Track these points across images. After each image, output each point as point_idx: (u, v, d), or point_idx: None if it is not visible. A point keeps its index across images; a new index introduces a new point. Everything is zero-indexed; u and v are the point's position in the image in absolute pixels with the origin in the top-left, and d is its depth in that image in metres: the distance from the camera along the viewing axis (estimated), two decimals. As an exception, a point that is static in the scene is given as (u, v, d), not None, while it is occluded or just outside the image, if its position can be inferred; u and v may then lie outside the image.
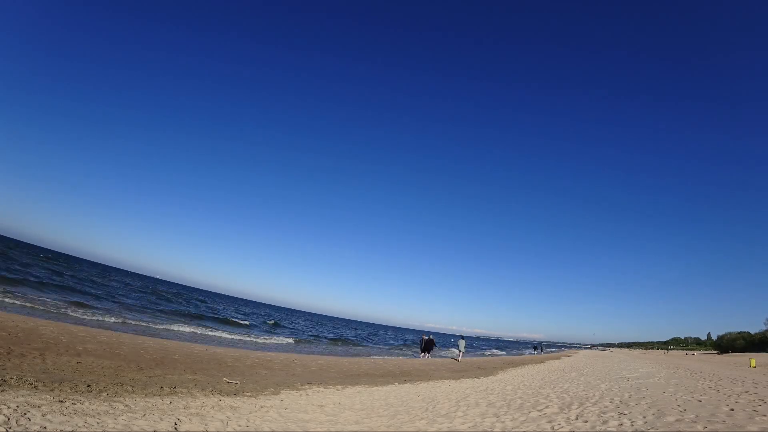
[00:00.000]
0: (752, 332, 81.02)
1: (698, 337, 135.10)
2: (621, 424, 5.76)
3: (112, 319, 18.51)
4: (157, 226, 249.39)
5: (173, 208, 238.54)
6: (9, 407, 4.68)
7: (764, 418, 5.69)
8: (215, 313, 39.14)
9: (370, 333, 68.05)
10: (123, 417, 5.17)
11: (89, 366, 7.99)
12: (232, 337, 22.88)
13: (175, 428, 5.09)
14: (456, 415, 7.41)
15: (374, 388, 11.16)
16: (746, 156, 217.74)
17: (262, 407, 7.11)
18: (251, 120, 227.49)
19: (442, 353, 37.93)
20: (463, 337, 27.90)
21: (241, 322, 35.17)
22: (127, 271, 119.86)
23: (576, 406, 7.60)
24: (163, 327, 20.27)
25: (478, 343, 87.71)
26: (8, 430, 4.08)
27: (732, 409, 6.40)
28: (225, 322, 32.11)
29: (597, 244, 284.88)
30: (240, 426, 5.67)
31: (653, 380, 12.28)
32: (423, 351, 25.89)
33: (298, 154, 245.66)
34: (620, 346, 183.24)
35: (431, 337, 26.84)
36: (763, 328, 77.59)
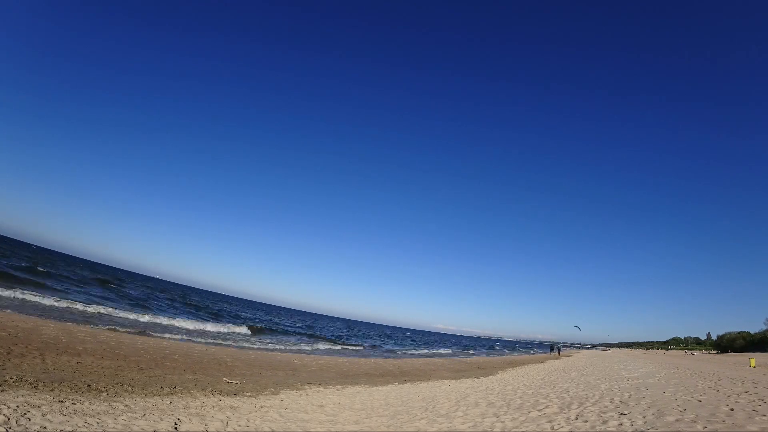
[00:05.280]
0: (752, 332, 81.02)
1: (698, 337, 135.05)
2: (621, 424, 5.76)
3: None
4: (157, 225, 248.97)
5: (172, 209, 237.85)
6: (9, 407, 4.68)
7: (764, 417, 5.69)
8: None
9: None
10: (123, 417, 5.17)
11: (89, 366, 7.99)
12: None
13: (175, 428, 5.10)
14: (456, 415, 7.41)
15: (374, 388, 11.17)
16: (746, 156, 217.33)
17: (262, 407, 7.11)
18: (252, 120, 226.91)
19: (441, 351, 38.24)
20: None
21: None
22: (126, 271, 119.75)
23: (576, 406, 7.60)
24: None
25: (478, 344, 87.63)
26: (8, 430, 4.08)
27: (732, 409, 6.40)
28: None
29: (596, 244, 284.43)
30: (240, 426, 5.68)
31: (653, 380, 12.28)
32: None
33: (300, 155, 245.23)
34: (620, 346, 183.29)
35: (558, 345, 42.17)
36: (763, 327, 77.58)
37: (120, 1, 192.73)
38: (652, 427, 5.40)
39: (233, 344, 18.86)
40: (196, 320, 25.92)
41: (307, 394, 9.07)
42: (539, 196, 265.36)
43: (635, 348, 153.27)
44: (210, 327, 24.26)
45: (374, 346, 35.79)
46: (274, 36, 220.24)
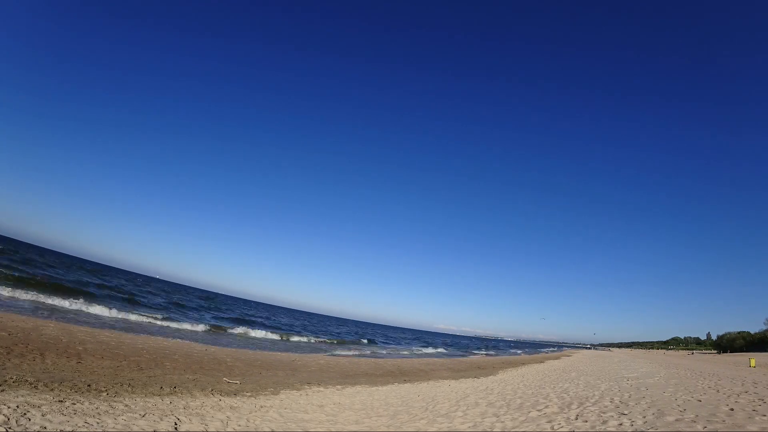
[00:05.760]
0: (752, 332, 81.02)
1: (698, 337, 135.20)
2: (621, 424, 5.76)
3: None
4: (159, 226, 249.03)
5: (172, 209, 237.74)
6: (9, 407, 4.69)
7: (764, 417, 5.69)
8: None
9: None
10: (123, 417, 5.17)
11: (89, 366, 7.99)
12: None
13: (175, 428, 5.10)
14: (456, 415, 7.41)
15: (374, 388, 11.17)
16: (746, 155, 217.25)
17: (262, 407, 7.11)
18: (252, 120, 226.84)
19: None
20: None
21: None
22: (125, 270, 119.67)
23: (576, 406, 7.60)
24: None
25: (478, 344, 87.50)
26: (8, 430, 4.08)
27: (732, 409, 6.40)
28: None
29: (596, 244, 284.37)
30: (240, 426, 5.68)
31: (653, 380, 12.28)
32: None
33: (301, 154, 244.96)
34: (620, 346, 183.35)
35: None
36: (763, 327, 77.57)
37: (120, 1, 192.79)
38: (652, 427, 5.40)
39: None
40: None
41: (307, 394, 9.07)
42: (539, 196, 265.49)
43: (635, 348, 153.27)
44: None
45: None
46: (274, 36, 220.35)
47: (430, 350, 40.33)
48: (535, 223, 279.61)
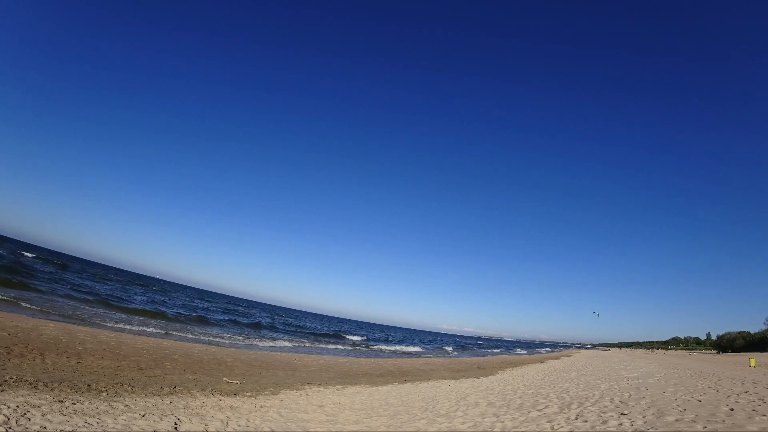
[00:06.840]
0: (752, 332, 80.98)
1: (698, 337, 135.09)
2: (621, 424, 5.76)
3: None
4: (159, 226, 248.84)
5: (169, 208, 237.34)
6: (9, 407, 4.69)
7: (764, 417, 5.69)
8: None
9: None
10: (123, 417, 5.17)
11: (89, 366, 7.99)
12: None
13: (175, 428, 5.10)
14: (456, 415, 7.41)
15: (374, 388, 11.17)
16: (747, 155, 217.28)
17: (261, 407, 7.12)
18: (254, 120, 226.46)
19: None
20: None
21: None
22: (126, 271, 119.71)
23: (576, 406, 7.60)
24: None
25: (478, 344, 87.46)
26: (8, 430, 4.08)
27: (732, 409, 6.40)
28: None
29: (597, 244, 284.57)
30: (240, 426, 5.68)
31: (653, 380, 12.28)
32: None
33: (302, 154, 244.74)
34: (620, 346, 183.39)
35: None
36: (763, 327, 77.49)
37: (120, 1, 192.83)
38: (652, 427, 5.40)
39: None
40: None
41: (307, 394, 9.08)
42: (540, 196, 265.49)
43: (635, 348, 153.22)
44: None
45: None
46: (274, 36, 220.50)
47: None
48: (536, 224, 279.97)
